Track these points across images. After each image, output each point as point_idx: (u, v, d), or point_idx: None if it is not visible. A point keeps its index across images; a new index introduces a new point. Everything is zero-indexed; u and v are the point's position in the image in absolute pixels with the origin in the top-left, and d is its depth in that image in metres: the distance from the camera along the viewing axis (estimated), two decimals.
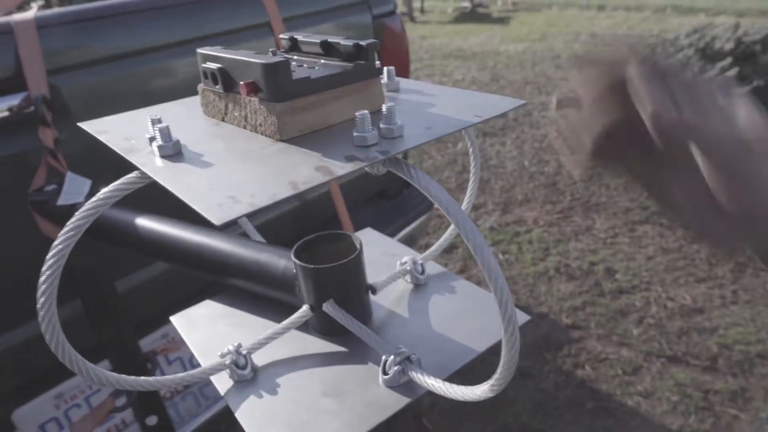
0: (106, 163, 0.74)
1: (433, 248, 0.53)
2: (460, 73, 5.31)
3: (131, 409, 0.87)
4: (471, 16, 9.20)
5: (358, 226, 1.24)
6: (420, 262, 0.53)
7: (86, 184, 0.73)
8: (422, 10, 9.72)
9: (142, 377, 0.41)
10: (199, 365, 0.44)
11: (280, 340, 0.46)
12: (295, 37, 0.43)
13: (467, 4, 9.59)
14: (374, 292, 0.47)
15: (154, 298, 1.04)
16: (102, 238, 0.67)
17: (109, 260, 0.82)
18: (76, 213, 0.35)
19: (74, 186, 0.71)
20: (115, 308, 0.80)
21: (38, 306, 0.35)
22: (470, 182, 0.50)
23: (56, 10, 0.91)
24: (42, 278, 0.35)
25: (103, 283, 0.77)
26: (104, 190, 0.34)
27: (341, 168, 0.29)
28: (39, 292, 0.35)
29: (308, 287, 0.45)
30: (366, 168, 0.31)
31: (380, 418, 0.38)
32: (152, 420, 0.89)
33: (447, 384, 0.37)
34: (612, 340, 1.97)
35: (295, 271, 0.46)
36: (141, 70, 1.00)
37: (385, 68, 0.42)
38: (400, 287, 0.52)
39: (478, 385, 0.35)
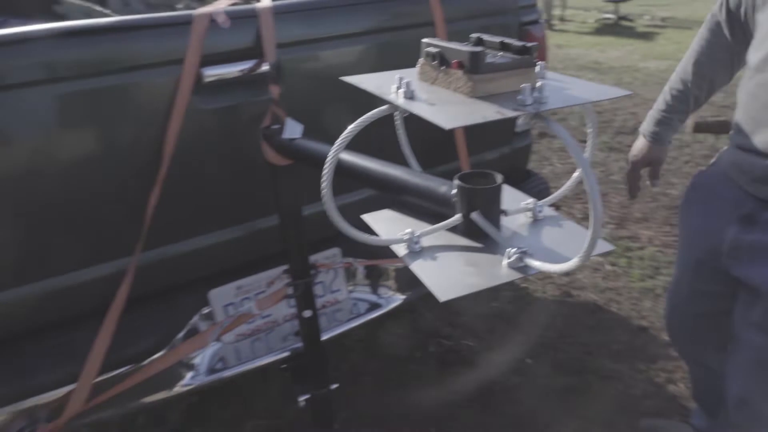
0: (307, 114, 1.03)
1: (551, 196, 0.74)
2: None
3: (295, 300, 1.17)
4: (613, 28, 8.86)
5: None
6: (540, 204, 0.74)
7: (300, 126, 1.02)
8: (562, 19, 9.51)
9: (367, 234, 0.67)
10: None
11: (436, 234, 0.70)
12: (481, 37, 0.66)
13: (611, 16, 9.21)
14: (505, 213, 0.69)
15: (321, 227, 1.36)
16: (304, 160, 0.97)
17: (301, 189, 1.12)
18: (343, 133, 0.61)
19: (292, 127, 1.00)
20: (299, 225, 1.10)
21: (322, 195, 0.63)
22: (589, 139, 0.69)
23: (284, 1, 1.22)
24: (323, 175, 0.62)
25: (296, 205, 1.07)
26: (364, 116, 0.60)
27: (510, 112, 0.52)
28: (322, 185, 0.62)
29: (462, 202, 0.68)
30: (521, 117, 0.54)
31: (501, 281, 0.60)
32: (308, 313, 1.18)
33: (547, 264, 0.58)
34: None
35: (453, 191, 0.69)
36: (336, 51, 1.29)
37: (538, 62, 0.64)
38: (522, 219, 0.73)
39: (566, 262, 0.56)
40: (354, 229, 0.69)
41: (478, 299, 2.39)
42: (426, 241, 0.69)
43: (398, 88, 0.59)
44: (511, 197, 0.79)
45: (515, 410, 1.87)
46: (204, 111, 1.15)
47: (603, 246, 0.61)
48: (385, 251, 1.42)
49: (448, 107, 0.55)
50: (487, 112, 0.52)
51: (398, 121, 0.82)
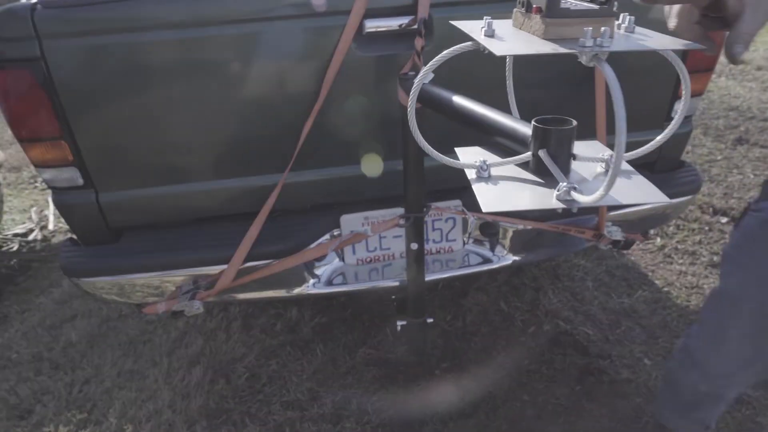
0: (442, 70, 1.15)
1: (635, 151, 0.77)
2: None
3: (405, 232, 1.32)
4: None
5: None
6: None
7: (431, 75, 1.15)
8: None
9: (448, 157, 0.79)
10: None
11: (509, 169, 0.78)
12: None
13: None
14: (575, 158, 0.75)
15: (444, 180, 1.48)
16: (426, 103, 1.10)
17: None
18: (431, 62, 0.73)
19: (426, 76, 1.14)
20: (419, 163, 1.24)
21: (408, 110, 0.76)
22: (683, 87, 0.71)
23: None
24: (411, 92, 0.74)
25: (418, 149, 1.21)
26: (448, 50, 0.71)
27: (564, 49, 0.59)
28: (409, 101, 0.75)
29: (536, 141, 0.75)
30: (579, 55, 0.60)
31: (543, 207, 0.68)
32: (414, 246, 1.33)
33: (585, 196, 0.64)
34: None
35: (530, 132, 0.77)
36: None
37: (624, 14, 0.68)
38: (597, 169, 0.78)
39: (596, 192, 0.62)
40: (434, 150, 0.81)
41: (609, 293, 2.32)
42: (496, 171, 0.78)
43: (482, 27, 0.68)
44: (595, 149, 0.83)
45: (622, 405, 1.82)
46: (360, 57, 1.34)
47: (654, 194, 0.65)
48: (506, 212, 1.51)
49: (512, 42, 0.63)
50: (543, 47, 0.59)
51: (509, 66, 0.90)
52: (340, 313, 2.31)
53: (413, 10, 1.28)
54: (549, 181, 0.74)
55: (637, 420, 1.75)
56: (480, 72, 1.33)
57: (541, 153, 0.74)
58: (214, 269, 1.44)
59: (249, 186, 1.45)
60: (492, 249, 1.59)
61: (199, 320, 2.33)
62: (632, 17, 0.69)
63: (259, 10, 1.26)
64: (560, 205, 0.68)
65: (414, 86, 0.77)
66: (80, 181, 1.37)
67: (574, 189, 0.68)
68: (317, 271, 1.53)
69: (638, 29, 0.70)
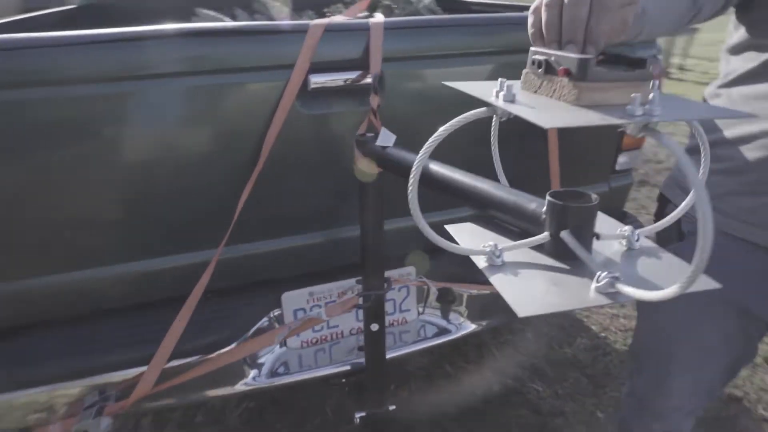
0: (399, 127, 1.03)
1: (653, 225, 0.68)
2: None
3: (363, 312, 1.16)
4: None
5: None
6: (637, 233, 0.68)
7: (393, 136, 1.03)
8: (681, 68, 8.95)
9: (448, 242, 0.65)
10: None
11: (520, 252, 0.66)
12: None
13: None
14: (598, 237, 0.65)
15: (399, 245, 1.35)
16: (391, 168, 0.97)
17: (385, 201, 1.11)
18: (431, 138, 0.60)
19: (386, 136, 1.01)
20: (380, 235, 1.09)
21: (409, 193, 0.62)
22: (702, 161, 0.64)
23: (394, 19, 1.25)
24: (412, 171, 0.61)
25: (379, 216, 1.07)
26: (459, 117, 0.58)
27: (616, 120, 0.48)
28: (410, 182, 0.61)
29: (552, 220, 0.64)
30: (627, 127, 0.50)
31: (587, 305, 0.55)
32: (375, 327, 1.17)
33: (642, 291, 0.53)
34: None
35: (543, 208, 0.65)
36: (437, 69, 1.29)
37: (653, 81, 0.60)
38: (616, 247, 0.68)
39: (668, 288, 0.51)
40: (437, 235, 0.67)
41: (550, 344, 2.27)
42: (508, 257, 0.66)
43: (499, 91, 0.57)
44: (607, 224, 0.74)
45: None
46: (305, 116, 1.19)
47: (706, 282, 0.55)
48: (459, 276, 1.39)
49: (550, 111, 0.52)
50: (591, 117, 0.49)
51: (494, 132, 0.80)
52: (271, 394, 2.05)
53: (364, 65, 1.16)
54: (575, 267, 0.63)
55: None
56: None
57: (564, 235, 0.63)
58: (128, 373, 1.17)
59: (174, 266, 1.22)
60: (448, 318, 1.47)
61: None
62: (657, 81, 0.61)
63: (183, 61, 1.07)
64: (604, 301, 0.56)
65: (414, 168, 0.64)
66: None
67: (616, 279, 0.57)
68: (258, 361, 1.31)
69: (660, 94, 0.62)
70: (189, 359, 1.19)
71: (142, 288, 1.22)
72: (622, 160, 1.50)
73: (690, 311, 1.16)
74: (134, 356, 1.16)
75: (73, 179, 1.08)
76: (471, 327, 1.45)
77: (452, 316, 1.47)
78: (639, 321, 1.32)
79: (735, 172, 1.00)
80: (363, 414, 1.28)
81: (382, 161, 1.01)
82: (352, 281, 1.37)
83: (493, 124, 0.83)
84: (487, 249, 0.65)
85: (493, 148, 0.84)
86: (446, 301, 1.45)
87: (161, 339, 1.15)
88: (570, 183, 1.44)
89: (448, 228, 0.74)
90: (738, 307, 1.09)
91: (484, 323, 1.47)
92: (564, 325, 2.41)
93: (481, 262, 0.65)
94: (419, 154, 0.61)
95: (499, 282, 0.60)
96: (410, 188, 0.63)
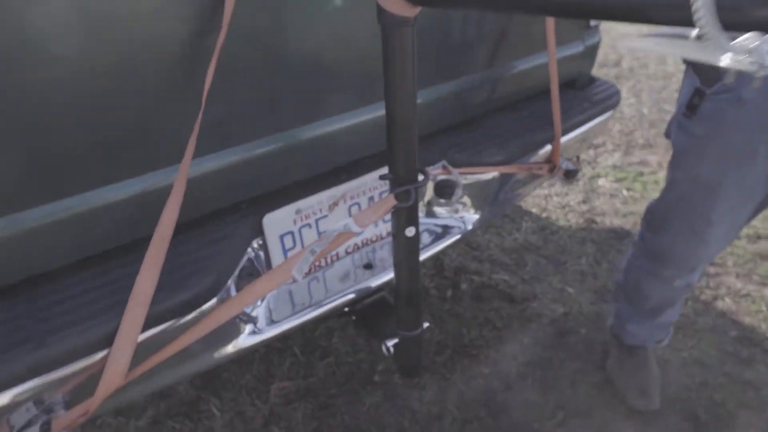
0: None
1: None
2: None
3: (395, 218, 0.89)
4: None
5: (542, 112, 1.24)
6: None
7: None
8: None
9: None
10: None
11: None
12: None
13: None
14: None
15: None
16: None
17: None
18: None
19: None
20: (413, 109, 0.81)
21: None
22: None
23: None
24: None
25: (411, 83, 0.78)
26: None
27: None
28: None
29: None
30: None
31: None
32: (411, 231, 0.91)
33: None
34: (753, 279, 1.92)
35: None
36: None
37: None
38: None
39: None
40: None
41: (499, 233, 2.21)
42: None
43: None
44: None
45: (573, 340, 1.72)
46: None
47: None
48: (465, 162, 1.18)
49: None
50: None
51: None
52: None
53: None
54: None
55: (596, 352, 1.67)
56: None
57: None
58: (81, 364, 0.79)
59: (125, 195, 0.83)
60: (454, 212, 1.26)
61: None
62: None
63: None
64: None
65: None
66: None
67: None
68: (253, 312, 1.00)
69: None
70: (172, 322, 0.84)
71: (83, 235, 0.82)
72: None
73: (736, 157, 1.12)
74: (88, 336, 0.78)
75: None
76: (476, 217, 1.27)
77: (457, 209, 1.27)
78: (673, 181, 1.27)
79: None
80: (395, 341, 1.05)
81: None
82: (341, 188, 1.09)
83: None
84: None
85: None
86: (447, 194, 1.23)
87: (124, 302, 0.78)
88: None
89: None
90: None
91: (490, 210, 1.30)
92: (504, 213, 2.35)
93: None
94: None
95: None
96: None
